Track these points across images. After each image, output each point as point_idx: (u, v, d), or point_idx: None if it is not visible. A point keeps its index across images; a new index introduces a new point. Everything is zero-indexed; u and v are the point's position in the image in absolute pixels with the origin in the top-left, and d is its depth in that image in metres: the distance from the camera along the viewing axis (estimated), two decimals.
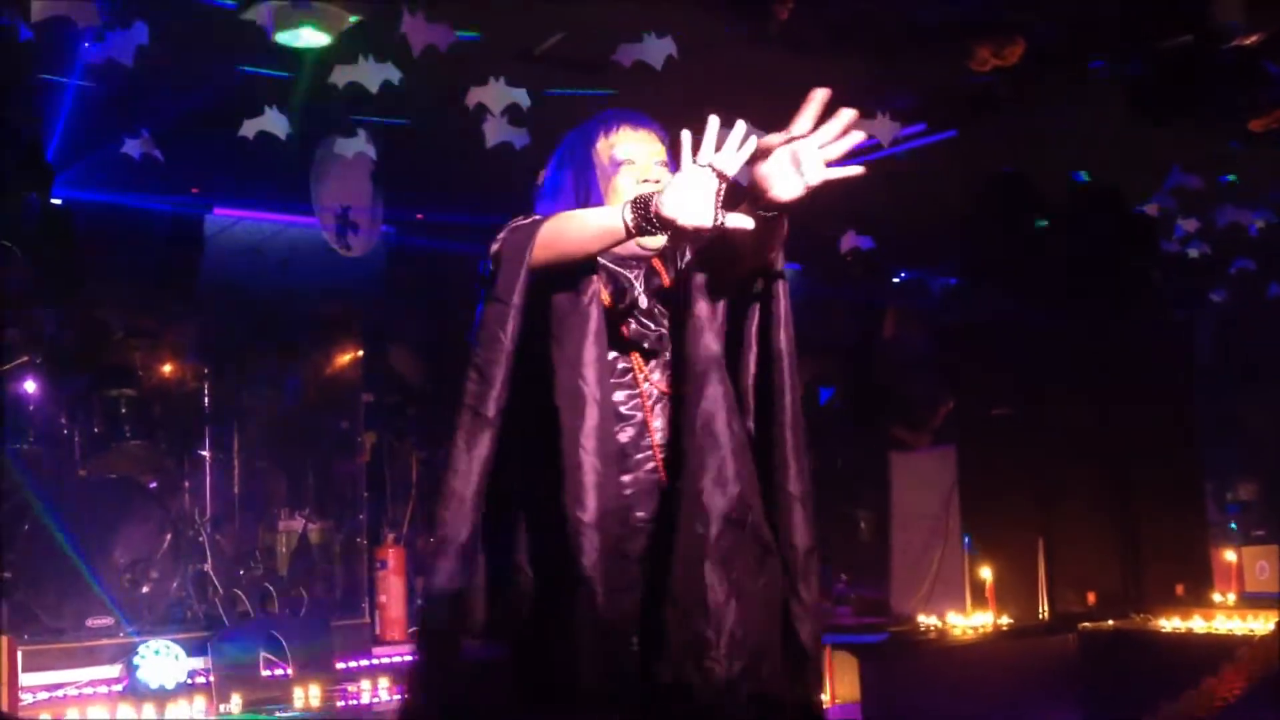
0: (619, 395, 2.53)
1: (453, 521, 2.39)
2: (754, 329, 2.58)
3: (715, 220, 2.26)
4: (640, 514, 2.53)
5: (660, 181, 2.55)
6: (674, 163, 2.59)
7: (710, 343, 2.50)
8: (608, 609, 2.35)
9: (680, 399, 2.53)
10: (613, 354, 2.54)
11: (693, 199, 2.26)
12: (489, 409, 2.40)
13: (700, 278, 2.54)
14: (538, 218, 2.48)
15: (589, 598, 2.34)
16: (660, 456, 2.55)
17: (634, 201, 2.34)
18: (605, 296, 2.57)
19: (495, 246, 2.49)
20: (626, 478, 2.51)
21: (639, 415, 2.55)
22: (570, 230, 2.41)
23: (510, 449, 2.43)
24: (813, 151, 2.28)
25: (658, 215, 2.29)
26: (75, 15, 4.75)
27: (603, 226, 2.38)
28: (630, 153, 2.60)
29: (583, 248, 2.40)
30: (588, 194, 2.61)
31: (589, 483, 2.36)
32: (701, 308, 2.52)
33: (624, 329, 2.58)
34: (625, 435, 2.53)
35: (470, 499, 2.39)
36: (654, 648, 2.42)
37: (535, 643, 2.41)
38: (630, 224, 2.33)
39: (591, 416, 2.39)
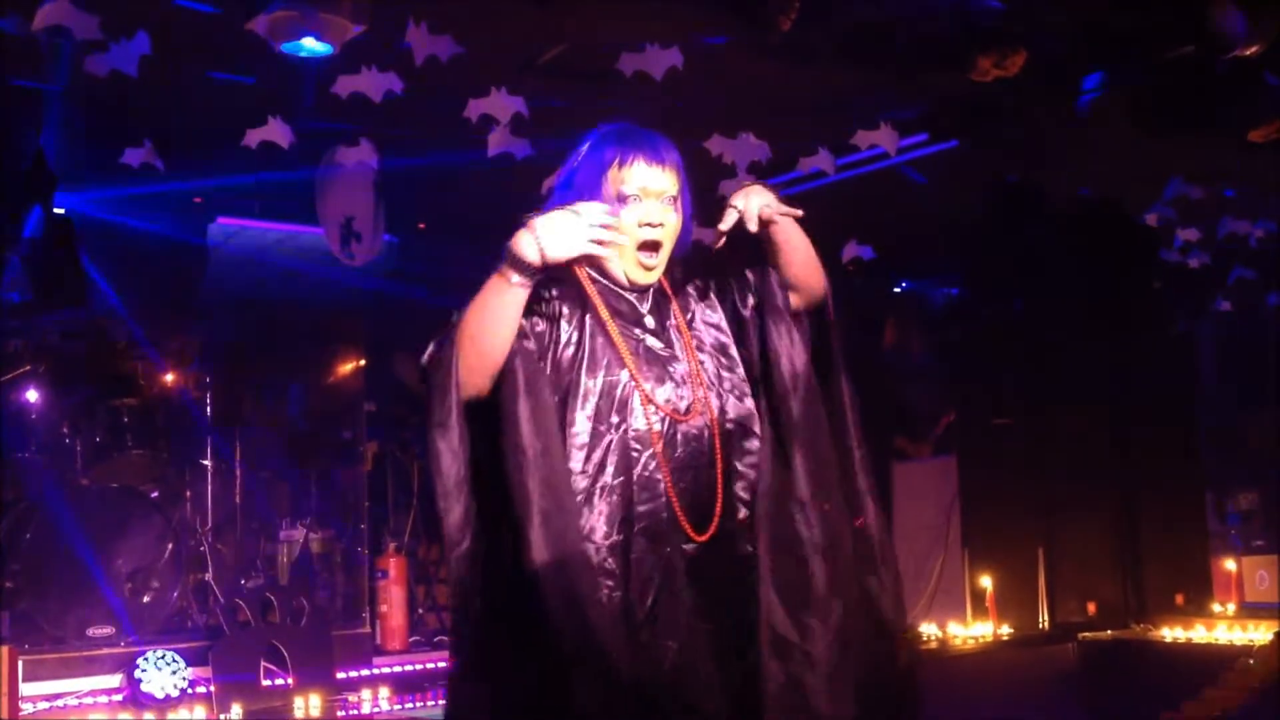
0: (636, 423, 2.51)
1: (458, 633, 2.48)
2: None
3: (587, 248, 2.38)
4: (653, 540, 2.49)
5: (664, 225, 2.56)
6: (687, 192, 2.60)
7: (793, 343, 2.66)
8: (599, 640, 2.35)
9: (773, 410, 2.63)
10: (628, 383, 2.52)
11: (563, 230, 2.38)
12: (465, 537, 2.41)
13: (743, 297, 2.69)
14: (452, 326, 2.46)
15: (572, 629, 2.34)
16: (675, 486, 2.51)
17: (503, 253, 2.39)
18: (604, 316, 2.56)
19: (424, 362, 2.50)
20: (642, 508, 2.49)
21: (652, 443, 2.52)
22: (477, 328, 2.41)
23: (498, 535, 2.43)
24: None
25: (519, 257, 2.36)
26: (74, 26, 4.75)
27: (500, 301, 2.40)
28: (639, 191, 2.56)
29: (497, 332, 2.41)
30: None
31: (540, 535, 2.34)
32: (773, 309, 2.66)
33: (632, 354, 2.55)
34: (642, 465, 2.51)
35: (475, 615, 2.43)
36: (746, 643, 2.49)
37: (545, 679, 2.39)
38: (513, 280, 2.38)
39: (536, 471, 2.37)
